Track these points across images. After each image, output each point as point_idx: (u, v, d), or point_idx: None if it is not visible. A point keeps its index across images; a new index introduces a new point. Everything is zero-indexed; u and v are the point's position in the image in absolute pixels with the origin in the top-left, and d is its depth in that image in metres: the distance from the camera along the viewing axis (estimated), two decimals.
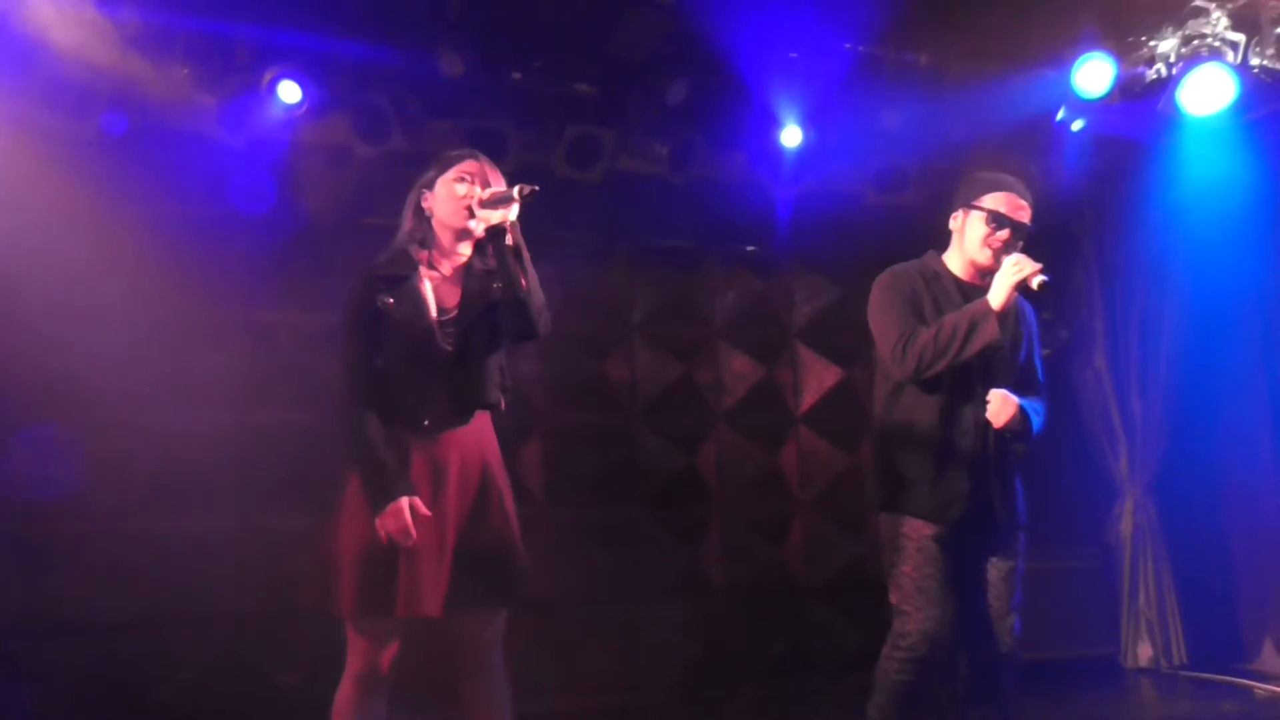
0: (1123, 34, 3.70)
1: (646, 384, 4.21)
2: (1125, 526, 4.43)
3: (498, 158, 3.52)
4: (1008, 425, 2.34)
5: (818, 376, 4.39)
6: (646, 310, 4.26)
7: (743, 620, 4.16)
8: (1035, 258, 2.33)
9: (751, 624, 4.17)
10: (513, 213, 2.16)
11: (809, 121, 3.88)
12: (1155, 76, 3.69)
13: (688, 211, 4.13)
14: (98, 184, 3.36)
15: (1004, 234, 2.39)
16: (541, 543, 3.37)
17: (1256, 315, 4.24)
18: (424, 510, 2.14)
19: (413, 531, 2.12)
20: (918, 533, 2.41)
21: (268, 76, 3.42)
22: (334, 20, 3.38)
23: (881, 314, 2.46)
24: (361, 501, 2.16)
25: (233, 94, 3.48)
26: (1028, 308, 2.55)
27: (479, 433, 2.26)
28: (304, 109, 3.49)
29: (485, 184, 2.25)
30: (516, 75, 3.63)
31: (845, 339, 4.26)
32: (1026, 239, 2.42)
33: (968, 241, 2.46)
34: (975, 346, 2.30)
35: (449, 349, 2.21)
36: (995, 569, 2.46)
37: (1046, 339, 4.38)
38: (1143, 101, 3.72)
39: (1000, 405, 2.36)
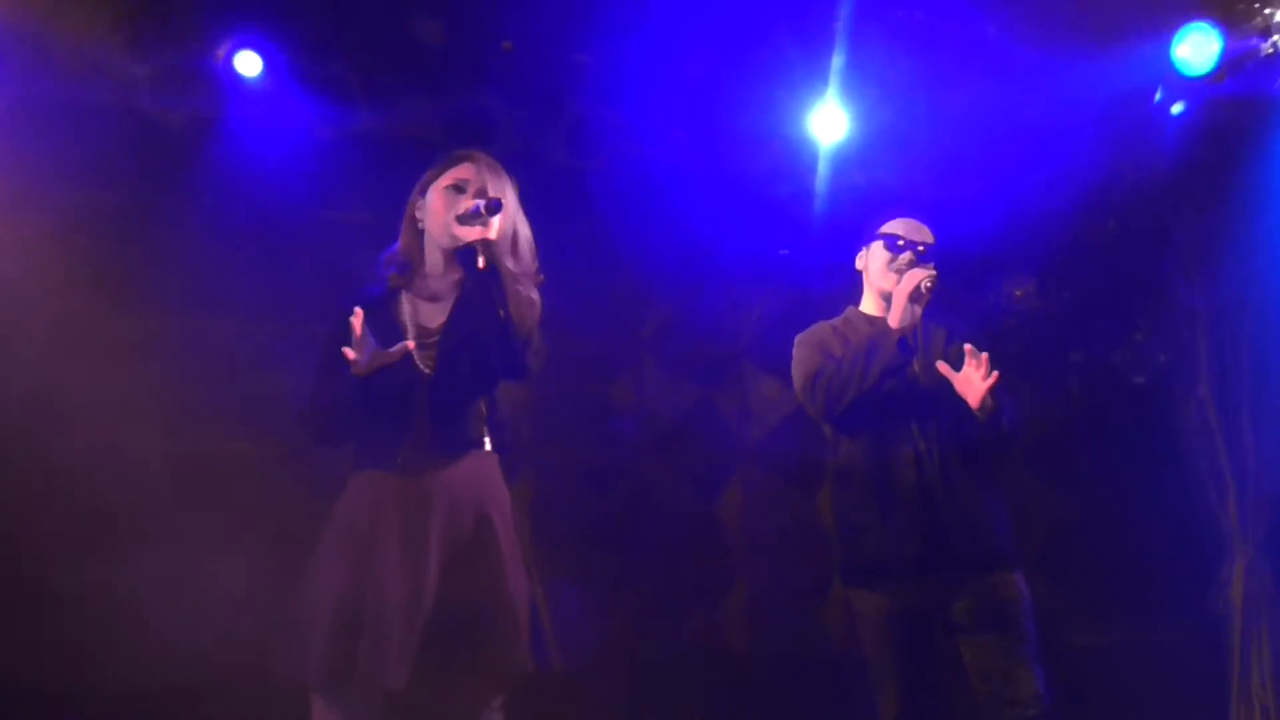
0: (1232, 1, 3.69)
1: (658, 411, 4.12)
2: (1235, 591, 4.25)
3: (484, 142, 3.54)
4: (981, 404, 2.51)
5: None
6: (659, 323, 4.18)
7: (771, 696, 4.06)
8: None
9: (782, 701, 4.07)
10: (493, 230, 2.21)
11: (854, 104, 3.85)
12: (1270, 50, 3.69)
13: (709, 207, 4.05)
14: (6, 164, 3.30)
15: (905, 256, 2.73)
16: None
17: None
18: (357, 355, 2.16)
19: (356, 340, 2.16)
20: (869, 606, 2.61)
21: (222, 49, 3.45)
22: None
23: (796, 368, 2.78)
24: (334, 555, 2.20)
25: (173, 62, 3.46)
26: (968, 334, 2.76)
27: (476, 477, 2.28)
28: (264, 83, 3.48)
29: (482, 191, 2.28)
30: (507, 44, 3.60)
31: None
32: (931, 261, 2.72)
33: (873, 273, 2.81)
34: (877, 369, 2.56)
35: (427, 372, 2.25)
36: (978, 627, 2.53)
37: (1138, 364, 4.40)
38: (1255, 80, 3.72)
39: (966, 377, 2.52)
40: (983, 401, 2.51)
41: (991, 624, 2.54)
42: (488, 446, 2.32)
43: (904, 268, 2.70)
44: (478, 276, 2.20)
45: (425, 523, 2.20)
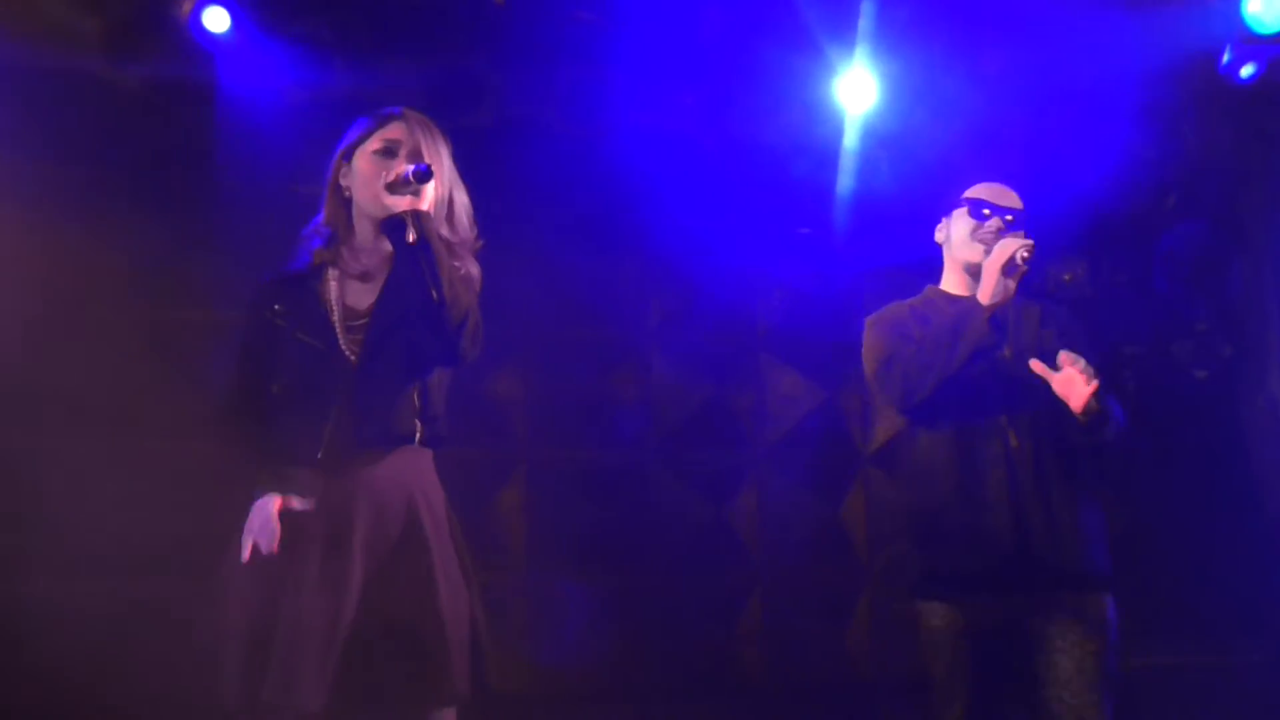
0: None
1: (665, 408, 4.14)
2: None
3: (473, 107, 3.67)
4: (1085, 409, 2.41)
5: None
6: (666, 309, 4.17)
7: None
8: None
9: None
10: (425, 199, 2.18)
11: (881, 69, 3.81)
12: None
13: (722, 182, 4.02)
14: None
15: (993, 223, 2.65)
16: (521, 620, 3.36)
17: None
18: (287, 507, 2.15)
19: (274, 537, 2.13)
20: (941, 620, 2.55)
21: (188, 3, 3.39)
22: None
23: (868, 352, 2.70)
24: (247, 564, 2.16)
25: (133, 18, 3.43)
26: (1063, 314, 2.74)
27: (407, 474, 2.25)
28: (234, 41, 3.42)
29: (415, 153, 2.25)
30: None
31: None
32: (1021, 229, 2.65)
33: (955, 244, 2.71)
34: (965, 350, 2.46)
35: (352, 358, 2.24)
36: (1058, 651, 2.47)
37: (1201, 356, 4.33)
38: None
39: (1068, 378, 2.41)
40: (1086, 405, 2.40)
41: (1071, 652, 2.48)
42: (418, 440, 2.29)
43: (990, 237, 2.61)
44: (408, 251, 2.17)
45: (348, 526, 2.17)
